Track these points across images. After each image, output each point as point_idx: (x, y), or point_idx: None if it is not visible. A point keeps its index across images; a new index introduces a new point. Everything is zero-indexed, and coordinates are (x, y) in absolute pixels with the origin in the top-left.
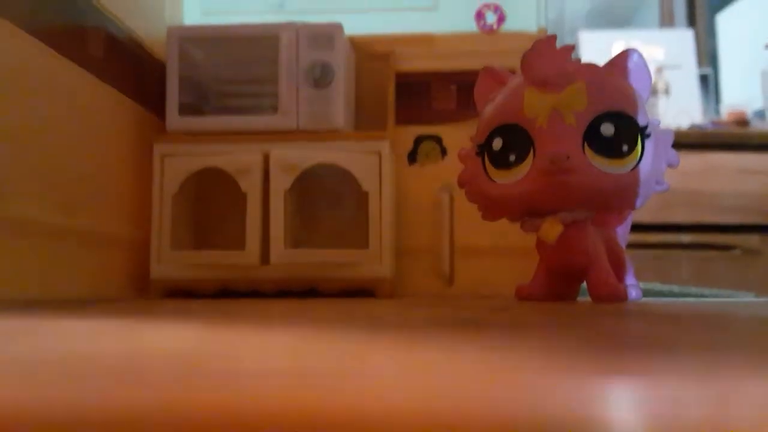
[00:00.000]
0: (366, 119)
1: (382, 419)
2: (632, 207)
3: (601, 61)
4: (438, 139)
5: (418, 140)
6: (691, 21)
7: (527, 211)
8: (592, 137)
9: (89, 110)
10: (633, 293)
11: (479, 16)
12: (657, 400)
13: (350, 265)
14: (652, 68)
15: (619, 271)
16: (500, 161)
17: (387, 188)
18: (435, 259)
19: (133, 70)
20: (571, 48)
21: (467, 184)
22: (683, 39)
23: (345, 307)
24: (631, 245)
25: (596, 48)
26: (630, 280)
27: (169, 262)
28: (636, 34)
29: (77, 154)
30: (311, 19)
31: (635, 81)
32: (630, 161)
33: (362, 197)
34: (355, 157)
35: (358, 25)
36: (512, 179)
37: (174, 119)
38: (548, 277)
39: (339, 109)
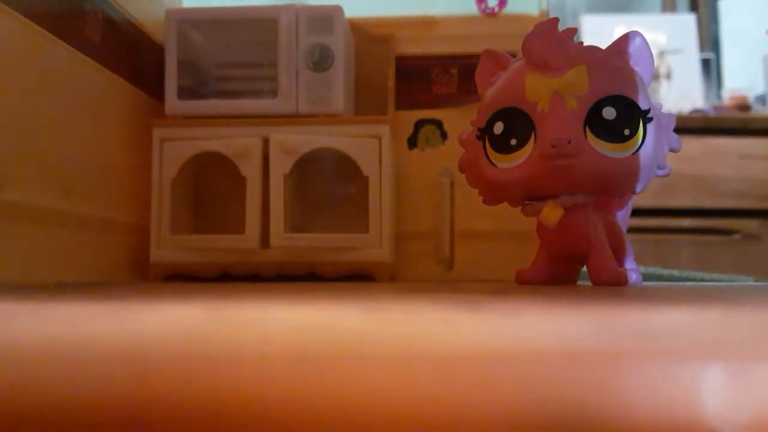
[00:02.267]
0: (366, 103)
1: (384, 403)
2: (633, 191)
3: (602, 44)
4: (438, 124)
5: (419, 124)
6: (694, 6)
7: (528, 196)
8: (593, 121)
9: (87, 94)
10: (633, 277)
11: None
12: (659, 383)
13: (350, 249)
14: (654, 52)
15: (620, 255)
16: (501, 145)
17: (387, 172)
18: (435, 244)
19: (132, 53)
20: (573, 31)
21: (468, 169)
22: (685, 23)
23: (345, 291)
24: (632, 229)
25: (598, 32)
26: (630, 264)
27: (169, 246)
28: (638, 18)
29: (75, 138)
30: (310, 2)
31: (637, 64)
32: (631, 145)
33: (362, 181)
34: (355, 142)
35: (357, 7)
36: (513, 163)
37: (173, 103)
38: (549, 262)
39: (339, 93)
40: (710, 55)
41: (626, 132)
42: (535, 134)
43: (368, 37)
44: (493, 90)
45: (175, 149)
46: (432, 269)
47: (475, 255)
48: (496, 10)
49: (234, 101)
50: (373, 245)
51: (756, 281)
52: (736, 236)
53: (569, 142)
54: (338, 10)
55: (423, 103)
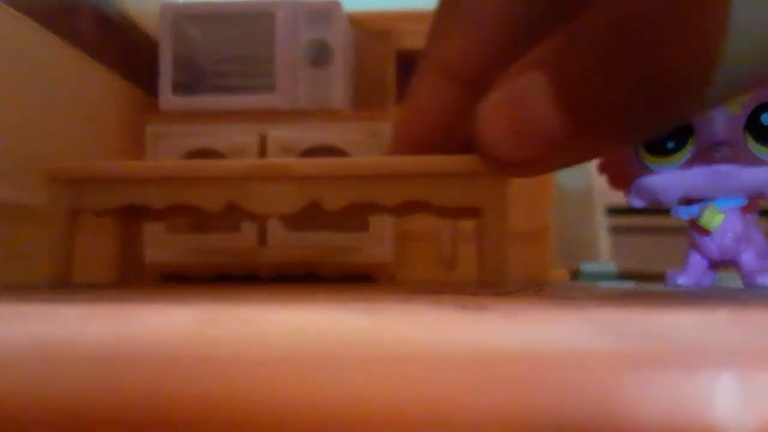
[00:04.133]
0: (365, 99)
1: (384, 405)
2: None
3: None
4: None
5: None
6: None
7: (684, 198)
8: (752, 126)
9: (80, 89)
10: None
11: None
12: (663, 388)
13: (350, 248)
14: None
15: (764, 256)
16: (656, 148)
17: None
18: (436, 244)
19: (126, 48)
20: None
21: (611, 171)
22: None
23: (345, 292)
24: (633, 230)
25: None
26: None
27: (164, 246)
28: None
29: (68, 134)
30: None
31: None
32: None
33: None
34: (354, 138)
35: (356, 1)
36: (670, 166)
37: (168, 99)
38: (702, 265)
39: (338, 88)
40: None
41: None
42: (694, 138)
43: (368, 31)
44: None
45: (169, 146)
46: (433, 269)
47: (477, 255)
48: None
49: (230, 97)
50: (373, 245)
51: None
52: None
53: (732, 146)
54: (337, 4)
55: None
